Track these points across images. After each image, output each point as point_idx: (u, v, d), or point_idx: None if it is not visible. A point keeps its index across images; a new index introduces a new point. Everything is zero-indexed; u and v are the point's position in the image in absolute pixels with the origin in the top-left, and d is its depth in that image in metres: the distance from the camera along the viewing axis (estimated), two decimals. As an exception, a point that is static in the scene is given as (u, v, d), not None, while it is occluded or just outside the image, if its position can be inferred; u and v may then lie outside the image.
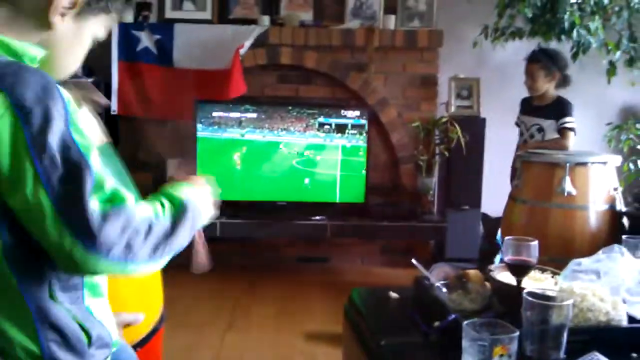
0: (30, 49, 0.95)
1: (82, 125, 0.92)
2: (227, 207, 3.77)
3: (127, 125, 4.07)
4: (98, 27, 1.04)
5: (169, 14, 4.08)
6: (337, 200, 3.95)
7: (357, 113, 3.93)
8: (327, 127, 3.92)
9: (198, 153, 3.85)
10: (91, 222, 0.87)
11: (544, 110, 3.55)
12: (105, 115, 3.88)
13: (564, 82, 3.57)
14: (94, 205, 0.88)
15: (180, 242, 0.98)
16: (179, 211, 0.99)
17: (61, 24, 0.97)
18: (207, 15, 4.08)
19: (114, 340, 1.07)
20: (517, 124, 3.77)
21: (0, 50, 0.93)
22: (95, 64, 3.73)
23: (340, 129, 3.92)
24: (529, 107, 3.66)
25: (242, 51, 3.86)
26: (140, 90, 3.97)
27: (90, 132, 0.98)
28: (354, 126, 3.92)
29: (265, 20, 3.99)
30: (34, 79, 0.89)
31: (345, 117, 3.92)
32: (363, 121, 3.92)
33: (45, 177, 0.87)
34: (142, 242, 0.92)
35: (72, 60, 1.04)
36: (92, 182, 0.89)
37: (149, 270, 0.97)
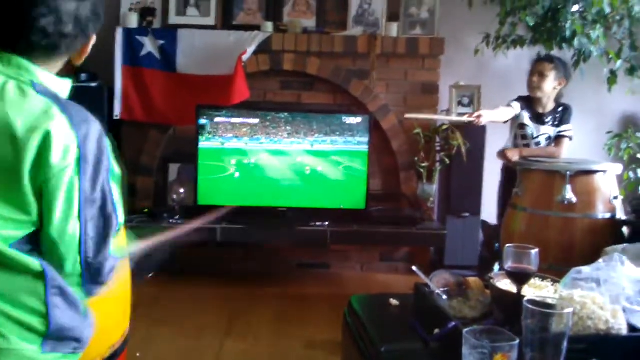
0: (65, 87, 1.18)
1: (114, 166, 1.16)
2: (227, 213, 3.77)
3: (130, 129, 4.08)
4: None
5: (173, 19, 4.10)
6: (338, 207, 3.94)
7: (359, 120, 3.93)
8: (328, 133, 3.93)
9: (199, 158, 3.86)
10: (102, 272, 1.16)
11: (551, 118, 3.53)
12: (108, 120, 3.89)
13: (560, 95, 3.57)
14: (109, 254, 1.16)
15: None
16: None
17: None
18: (210, 21, 4.10)
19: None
20: (521, 125, 3.60)
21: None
22: (98, 69, 3.75)
23: (342, 135, 3.93)
24: (533, 114, 3.56)
25: (244, 57, 3.87)
26: (144, 95, 3.98)
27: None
28: (355, 133, 3.92)
29: (269, 26, 4.01)
30: (94, 129, 1.11)
31: (346, 123, 3.93)
32: (364, 128, 3.92)
33: (83, 218, 1.10)
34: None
35: None
36: (114, 232, 1.16)
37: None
